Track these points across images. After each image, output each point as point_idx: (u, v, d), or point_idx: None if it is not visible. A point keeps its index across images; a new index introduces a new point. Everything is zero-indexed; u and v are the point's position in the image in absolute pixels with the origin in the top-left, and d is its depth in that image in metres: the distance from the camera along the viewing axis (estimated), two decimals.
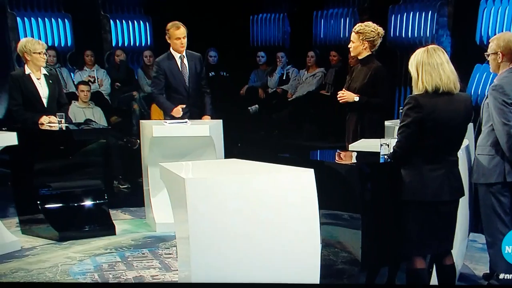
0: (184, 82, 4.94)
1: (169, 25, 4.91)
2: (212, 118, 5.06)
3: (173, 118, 4.80)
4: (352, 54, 4.37)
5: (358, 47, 4.21)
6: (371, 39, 4.18)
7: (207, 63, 7.87)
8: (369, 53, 4.22)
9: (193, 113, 4.94)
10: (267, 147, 6.89)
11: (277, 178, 2.67)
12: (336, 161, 3.34)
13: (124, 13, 8.18)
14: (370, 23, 4.24)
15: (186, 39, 4.89)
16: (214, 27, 8.20)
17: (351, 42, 4.26)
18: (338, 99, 4.29)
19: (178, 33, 4.86)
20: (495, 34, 3.58)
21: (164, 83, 4.91)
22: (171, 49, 4.96)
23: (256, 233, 2.59)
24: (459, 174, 2.94)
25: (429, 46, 2.87)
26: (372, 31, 4.18)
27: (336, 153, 3.53)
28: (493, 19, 5.99)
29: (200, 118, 4.94)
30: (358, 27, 4.23)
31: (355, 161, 3.24)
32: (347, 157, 3.38)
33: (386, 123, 4.30)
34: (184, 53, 4.95)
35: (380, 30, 4.24)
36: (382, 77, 4.22)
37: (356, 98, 4.20)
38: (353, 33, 4.24)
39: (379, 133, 4.06)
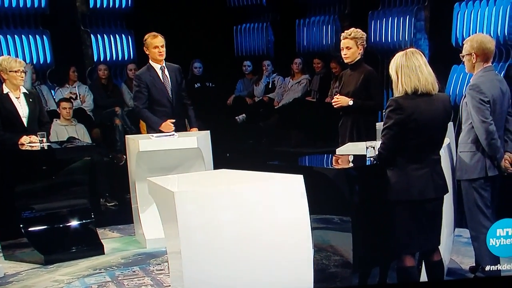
0: (167, 93, 4.83)
1: (146, 36, 4.84)
2: (199, 129, 4.97)
3: (160, 132, 4.68)
4: (348, 60, 4.31)
5: (355, 52, 4.25)
6: (363, 43, 4.27)
7: (192, 74, 7.83)
8: (360, 57, 4.29)
9: (177, 125, 4.82)
10: (256, 156, 6.88)
11: (267, 186, 2.69)
12: (325, 166, 3.41)
13: (105, 27, 8.08)
14: (354, 28, 4.31)
15: (164, 48, 4.79)
16: (198, 39, 8.18)
17: (346, 49, 4.25)
18: (333, 104, 4.33)
19: (156, 41, 4.77)
20: (469, 36, 3.68)
21: (147, 96, 4.79)
22: (150, 61, 4.86)
23: (248, 243, 2.59)
24: (442, 171, 3.03)
25: (407, 50, 2.97)
26: (362, 35, 4.28)
27: (324, 158, 3.61)
28: (467, 22, 6.24)
29: (186, 130, 4.83)
30: (353, 33, 4.26)
31: (343, 165, 3.31)
32: (335, 162, 3.45)
33: (377, 125, 4.31)
34: (164, 64, 4.86)
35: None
36: (374, 80, 4.32)
37: (350, 102, 4.24)
38: (348, 40, 4.24)
39: (374, 135, 4.09)
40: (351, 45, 4.22)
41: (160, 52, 4.77)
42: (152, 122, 4.81)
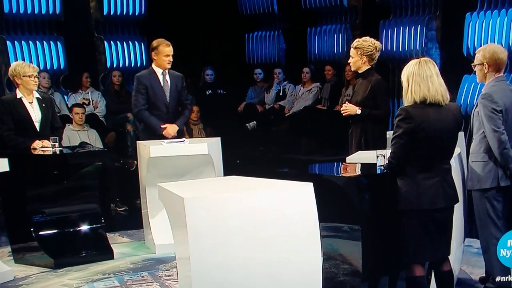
0: (165, 98, 4.86)
1: (157, 41, 4.87)
2: (210, 136, 4.98)
3: (162, 138, 4.67)
4: (352, 69, 4.48)
5: (357, 62, 4.30)
6: (369, 53, 4.27)
7: (204, 81, 7.86)
8: (369, 66, 4.31)
9: None
10: (266, 163, 6.88)
11: (277, 193, 2.67)
12: (334, 174, 3.41)
13: (119, 34, 8.15)
14: (367, 38, 4.33)
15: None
16: (210, 46, 8.21)
17: (350, 57, 4.35)
18: (342, 112, 4.37)
19: (168, 50, 4.82)
20: (480, 46, 3.67)
21: (146, 98, 4.82)
22: (153, 65, 4.91)
23: (257, 250, 2.57)
24: (453, 181, 3.02)
25: (421, 58, 2.98)
26: (369, 45, 4.28)
27: (334, 166, 3.59)
28: (478, 32, 6.22)
29: (179, 136, 4.80)
30: (356, 42, 4.32)
31: (353, 173, 3.30)
32: (345, 170, 3.44)
33: (387, 134, 4.29)
34: (166, 70, 4.89)
35: (378, 44, 4.33)
36: (381, 89, 4.30)
37: (358, 111, 4.26)
38: (351, 49, 4.33)
39: (382, 144, 4.10)
40: (353, 54, 4.29)
41: (170, 61, 4.83)
42: (153, 126, 4.80)
